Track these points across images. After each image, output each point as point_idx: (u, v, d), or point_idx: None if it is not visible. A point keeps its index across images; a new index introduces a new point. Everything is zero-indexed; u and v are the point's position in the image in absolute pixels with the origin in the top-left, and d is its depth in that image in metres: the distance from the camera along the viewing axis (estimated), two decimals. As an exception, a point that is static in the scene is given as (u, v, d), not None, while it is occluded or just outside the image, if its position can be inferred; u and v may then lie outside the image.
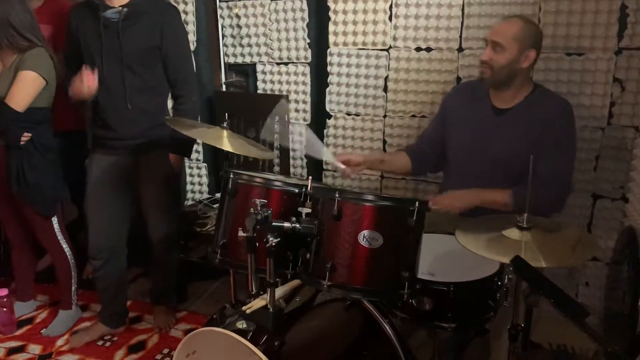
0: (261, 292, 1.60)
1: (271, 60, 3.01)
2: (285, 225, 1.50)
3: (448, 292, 1.60)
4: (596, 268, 2.58)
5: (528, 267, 1.26)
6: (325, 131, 2.96)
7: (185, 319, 2.74)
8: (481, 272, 1.66)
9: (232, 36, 3.08)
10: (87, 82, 2.12)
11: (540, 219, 1.64)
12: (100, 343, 2.54)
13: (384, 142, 2.85)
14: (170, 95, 2.41)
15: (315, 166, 3.07)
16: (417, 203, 1.47)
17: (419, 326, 1.81)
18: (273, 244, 1.45)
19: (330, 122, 2.94)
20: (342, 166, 2.06)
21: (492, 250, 1.48)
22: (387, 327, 1.65)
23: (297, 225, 1.51)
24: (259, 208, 1.45)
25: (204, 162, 3.26)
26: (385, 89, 2.76)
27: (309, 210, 1.55)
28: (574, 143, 2.07)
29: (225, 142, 2.00)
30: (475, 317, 1.69)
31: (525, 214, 1.54)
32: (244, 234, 1.48)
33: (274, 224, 1.47)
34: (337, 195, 1.47)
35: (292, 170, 3.09)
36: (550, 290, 1.24)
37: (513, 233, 1.54)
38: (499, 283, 1.69)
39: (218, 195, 3.10)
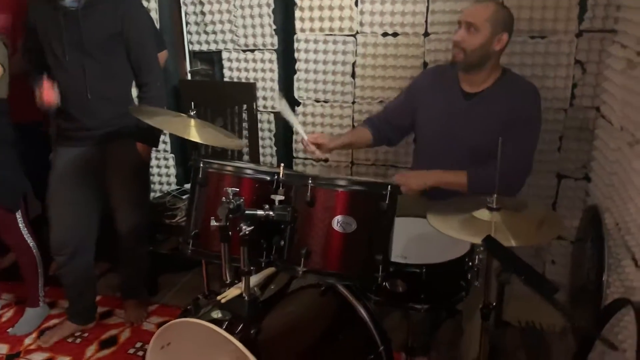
0: (235, 281, 1.59)
1: (237, 47, 2.96)
2: (259, 213, 1.50)
3: (420, 273, 1.62)
4: (561, 246, 2.66)
5: (499, 246, 1.29)
6: (294, 118, 2.95)
7: (157, 312, 2.70)
8: (453, 254, 1.69)
9: (196, 23, 3.02)
10: (47, 98, 2.12)
11: (508, 199, 1.67)
12: (70, 340, 2.48)
13: (353, 128, 2.85)
14: (134, 83, 2.36)
15: (286, 155, 3.05)
16: (389, 186, 1.48)
17: (392, 308, 1.83)
18: (247, 233, 1.44)
19: (299, 109, 2.92)
20: (311, 147, 2.12)
21: (463, 232, 1.50)
22: (362, 311, 1.66)
23: (271, 213, 1.50)
24: (230, 197, 1.43)
25: (171, 152, 3.20)
26: (353, 75, 2.76)
27: (282, 198, 1.54)
28: (539, 127, 2.10)
29: (193, 132, 1.96)
30: (447, 297, 1.72)
31: (495, 195, 1.56)
32: (217, 224, 1.47)
33: (247, 212, 1.46)
34: (310, 181, 1.47)
35: (262, 159, 3.08)
36: (521, 268, 1.27)
37: (483, 214, 1.56)
38: (470, 264, 1.72)
39: (187, 186, 3.05)
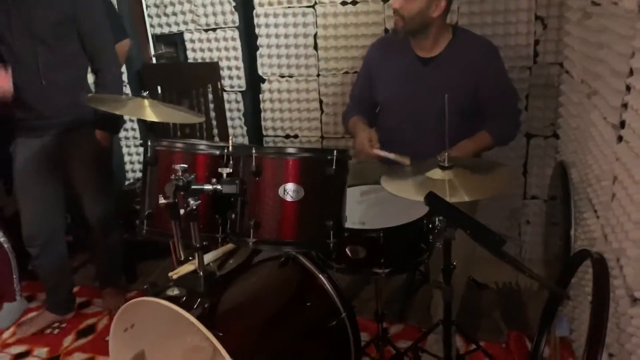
0: (190, 258, 1.57)
1: (198, 27, 2.92)
2: (206, 187, 1.47)
3: (378, 238, 1.61)
4: (535, 206, 2.65)
5: (442, 201, 1.27)
6: (261, 96, 2.92)
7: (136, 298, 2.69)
8: (410, 217, 1.67)
9: (156, 5, 2.97)
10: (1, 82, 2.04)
11: (462, 158, 1.65)
12: (48, 331, 2.48)
13: (321, 101, 2.82)
14: (90, 69, 2.32)
15: (256, 133, 3.02)
16: (335, 152, 1.45)
17: (354, 274, 1.82)
18: (194, 208, 1.43)
19: (264, 86, 2.89)
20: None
21: (415, 192, 1.48)
22: (323, 279, 1.65)
23: (218, 187, 1.48)
24: (179, 173, 1.41)
25: (141, 139, 3.17)
26: (315, 47, 2.72)
27: (230, 171, 1.52)
28: (507, 74, 2.15)
29: (148, 112, 1.92)
30: (407, 260, 1.71)
31: (446, 154, 1.55)
32: (165, 201, 1.45)
33: (193, 187, 1.44)
34: (254, 151, 1.45)
35: (232, 139, 3.03)
36: (466, 222, 1.25)
37: (436, 173, 1.55)
38: (430, 225, 1.70)
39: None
